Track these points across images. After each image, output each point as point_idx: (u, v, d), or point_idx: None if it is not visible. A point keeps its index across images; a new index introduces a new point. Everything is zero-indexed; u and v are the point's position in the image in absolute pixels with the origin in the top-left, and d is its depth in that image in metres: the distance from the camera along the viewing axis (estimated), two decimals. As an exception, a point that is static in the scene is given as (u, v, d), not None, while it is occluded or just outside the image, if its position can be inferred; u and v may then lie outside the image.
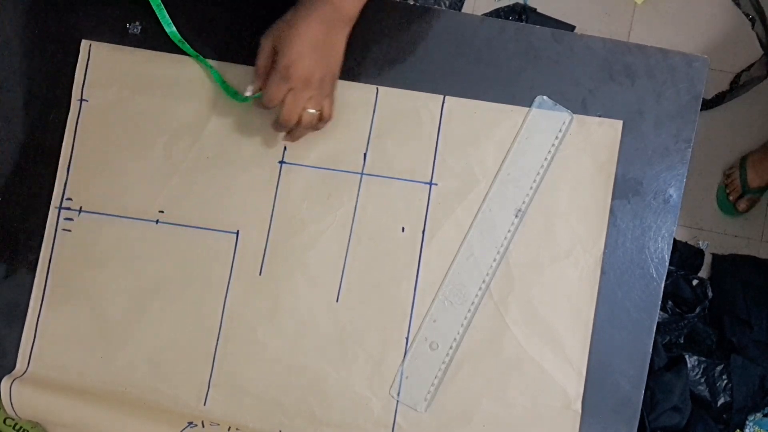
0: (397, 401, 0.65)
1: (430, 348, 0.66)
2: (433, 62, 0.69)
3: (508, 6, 1.48)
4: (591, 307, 0.65)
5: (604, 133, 0.67)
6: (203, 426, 0.65)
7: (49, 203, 0.69)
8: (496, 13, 1.46)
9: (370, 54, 0.69)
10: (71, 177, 0.70)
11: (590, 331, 0.65)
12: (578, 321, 0.65)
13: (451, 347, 0.65)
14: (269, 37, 0.61)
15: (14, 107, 0.72)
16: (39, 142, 0.70)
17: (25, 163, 0.70)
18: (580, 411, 0.64)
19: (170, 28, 0.69)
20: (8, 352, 0.69)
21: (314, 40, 0.58)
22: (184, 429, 0.64)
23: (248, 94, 0.64)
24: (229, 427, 0.65)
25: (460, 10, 1.47)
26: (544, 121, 0.68)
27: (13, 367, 0.68)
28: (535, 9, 1.48)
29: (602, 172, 0.67)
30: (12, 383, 0.66)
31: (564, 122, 0.68)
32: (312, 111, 0.61)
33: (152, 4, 0.68)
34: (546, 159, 0.67)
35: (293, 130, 0.63)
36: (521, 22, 1.44)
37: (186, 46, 0.69)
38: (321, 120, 0.63)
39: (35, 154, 0.70)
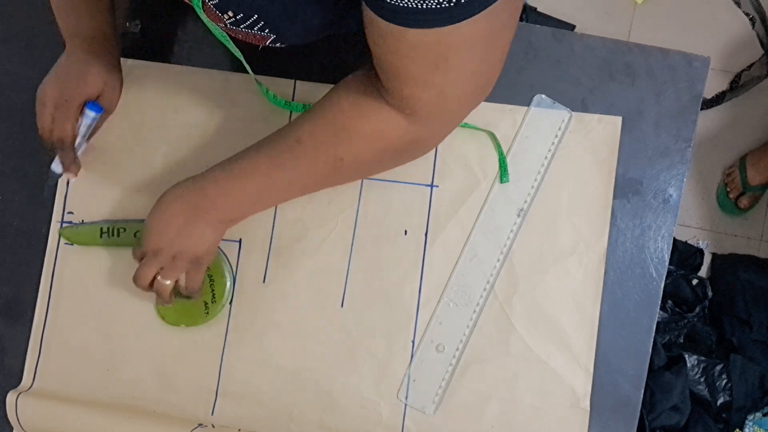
0: (406, 404, 0.65)
1: (437, 350, 0.65)
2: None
3: (508, 5, 1.48)
4: (596, 305, 0.65)
5: (603, 130, 0.67)
6: (213, 426, 0.65)
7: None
8: (496, 13, 1.46)
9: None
10: (71, 190, 0.69)
11: (596, 329, 0.65)
12: (584, 318, 0.65)
13: (457, 349, 0.65)
14: None
15: (13, 108, 0.72)
16: (39, 143, 0.70)
17: (26, 163, 0.70)
18: (588, 409, 0.64)
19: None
20: (8, 351, 0.69)
21: (171, 220, 0.59)
22: (194, 429, 0.64)
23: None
24: (239, 430, 0.65)
25: (460, 9, 1.46)
26: (544, 120, 0.68)
27: (18, 379, 0.68)
28: (536, 8, 1.48)
29: (603, 169, 0.67)
30: (18, 396, 0.65)
31: (563, 120, 0.68)
32: (163, 281, 0.60)
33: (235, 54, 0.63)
34: (546, 157, 0.67)
35: (158, 295, 0.61)
36: (521, 21, 1.43)
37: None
38: (184, 292, 0.62)
39: (35, 154, 0.70)
